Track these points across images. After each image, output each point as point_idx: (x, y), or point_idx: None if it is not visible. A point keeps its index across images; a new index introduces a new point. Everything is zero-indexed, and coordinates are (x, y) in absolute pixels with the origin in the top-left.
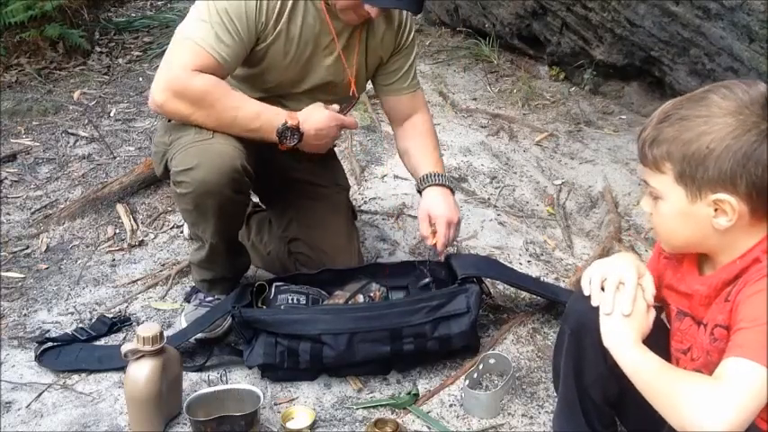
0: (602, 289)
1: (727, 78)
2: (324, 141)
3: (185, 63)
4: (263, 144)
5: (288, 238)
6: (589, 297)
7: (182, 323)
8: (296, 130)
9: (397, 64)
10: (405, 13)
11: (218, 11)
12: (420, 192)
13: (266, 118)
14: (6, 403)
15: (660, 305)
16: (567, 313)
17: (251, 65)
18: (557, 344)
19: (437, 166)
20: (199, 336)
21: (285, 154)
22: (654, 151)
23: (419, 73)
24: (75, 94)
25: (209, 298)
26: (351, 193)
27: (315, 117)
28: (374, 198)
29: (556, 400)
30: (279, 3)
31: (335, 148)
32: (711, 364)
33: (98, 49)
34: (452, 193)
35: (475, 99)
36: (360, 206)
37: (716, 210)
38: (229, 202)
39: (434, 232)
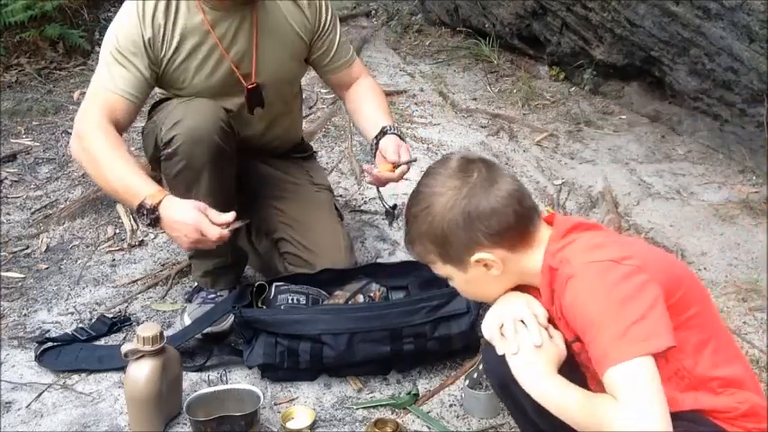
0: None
1: (727, 78)
2: (176, 237)
3: (94, 115)
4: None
5: (276, 239)
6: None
7: (185, 322)
8: (151, 212)
9: (326, 44)
10: None
11: (111, 52)
12: (381, 135)
13: (132, 192)
14: (6, 403)
15: None
16: (486, 370)
17: (168, 87)
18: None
19: (390, 119)
20: (204, 330)
21: (254, 149)
22: (415, 250)
23: (418, 72)
24: (75, 94)
25: (212, 295)
26: (351, 193)
27: (176, 211)
28: (374, 198)
29: None
30: (161, 22)
31: (321, 153)
32: (595, 375)
33: (98, 49)
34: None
35: (475, 99)
36: (360, 206)
37: (484, 266)
38: (218, 152)
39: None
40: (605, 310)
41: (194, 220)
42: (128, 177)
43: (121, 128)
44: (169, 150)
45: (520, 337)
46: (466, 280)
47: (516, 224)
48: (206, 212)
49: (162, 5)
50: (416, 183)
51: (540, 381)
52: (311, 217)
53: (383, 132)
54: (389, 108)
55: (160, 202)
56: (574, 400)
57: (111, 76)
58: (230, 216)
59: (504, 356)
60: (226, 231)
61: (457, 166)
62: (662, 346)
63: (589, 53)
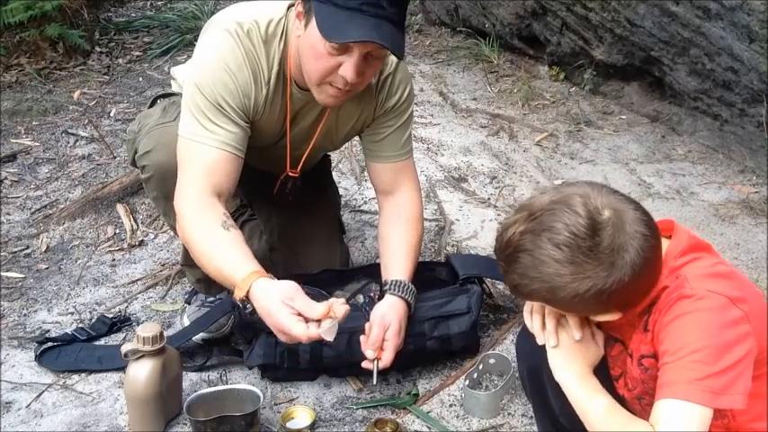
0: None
1: (727, 78)
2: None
3: (193, 189)
4: (254, 158)
5: (270, 246)
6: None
7: (184, 323)
8: (244, 305)
9: (377, 128)
10: (397, 73)
11: (215, 101)
12: (382, 293)
13: (228, 281)
14: (6, 403)
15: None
16: (518, 355)
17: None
18: (520, 379)
19: (406, 270)
20: (204, 336)
21: (274, 161)
22: (519, 294)
23: (418, 72)
24: (75, 94)
25: (211, 298)
26: (351, 193)
27: (263, 303)
28: (374, 198)
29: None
30: (269, 87)
31: (332, 168)
32: (651, 389)
33: (98, 49)
34: (410, 308)
35: (475, 99)
36: (360, 206)
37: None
38: None
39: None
40: (700, 347)
41: (278, 320)
42: (222, 264)
43: (225, 196)
44: (143, 176)
45: (562, 331)
46: (571, 316)
47: (650, 284)
48: (293, 303)
49: (263, 54)
50: (528, 213)
51: (575, 378)
52: (310, 232)
53: (384, 291)
54: (418, 244)
55: (248, 292)
56: (600, 405)
57: (225, 131)
58: (322, 310)
59: (542, 346)
60: (315, 332)
61: (587, 234)
62: (729, 406)
63: (589, 53)
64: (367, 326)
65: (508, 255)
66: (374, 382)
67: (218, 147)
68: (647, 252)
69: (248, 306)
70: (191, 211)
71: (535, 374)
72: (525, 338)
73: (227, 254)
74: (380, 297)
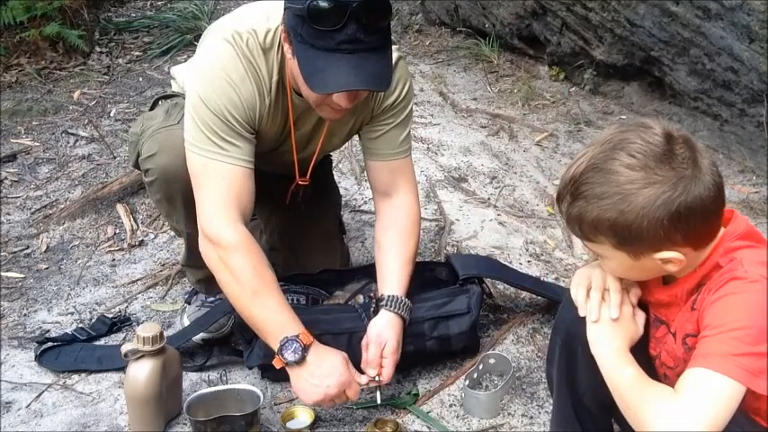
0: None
1: (727, 78)
2: (313, 385)
3: (222, 211)
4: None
5: (269, 246)
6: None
7: (184, 323)
8: (304, 348)
9: (380, 126)
10: (396, 71)
11: (224, 119)
12: (378, 308)
13: (280, 327)
14: (6, 403)
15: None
16: (557, 324)
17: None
18: (549, 353)
19: (402, 284)
20: (204, 336)
21: (276, 164)
22: (582, 228)
23: (418, 72)
24: (75, 94)
25: (211, 299)
26: (351, 193)
27: (328, 358)
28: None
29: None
30: (270, 99)
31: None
32: (668, 367)
33: (98, 49)
34: (404, 323)
35: (475, 99)
36: (360, 206)
37: (663, 261)
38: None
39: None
40: (742, 326)
41: (346, 377)
42: (276, 315)
43: (248, 213)
44: (147, 179)
45: (604, 307)
46: (628, 266)
47: (715, 218)
48: (349, 368)
49: (262, 64)
50: (597, 143)
51: (611, 351)
52: (310, 232)
53: (379, 307)
54: (414, 254)
55: (312, 342)
56: (629, 374)
57: (236, 147)
58: (366, 379)
59: (579, 316)
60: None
61: (662, 143)
62: (763, 389)
63: (589, 53)
64: (364, 343)
65: (574, 182)
66: (378, 402)
67: (234, 164)
68: (717, 177)
69: (301, 350)
70: (232, 241)
71: (570, 348)
72: (567, 311)
73: (284, 307)
74: (376, 311)
